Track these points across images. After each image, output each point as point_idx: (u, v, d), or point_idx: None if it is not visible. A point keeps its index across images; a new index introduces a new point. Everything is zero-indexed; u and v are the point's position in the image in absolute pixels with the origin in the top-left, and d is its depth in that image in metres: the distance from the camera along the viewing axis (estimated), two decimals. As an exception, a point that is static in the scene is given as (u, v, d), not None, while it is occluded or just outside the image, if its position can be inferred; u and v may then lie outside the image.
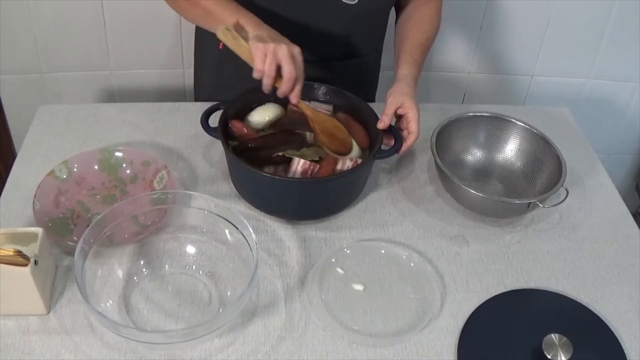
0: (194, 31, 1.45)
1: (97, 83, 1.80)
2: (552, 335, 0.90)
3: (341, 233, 1.11)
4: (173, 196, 1.04)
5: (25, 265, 0.87)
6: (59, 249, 1.03)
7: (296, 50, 1.03)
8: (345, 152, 1.12)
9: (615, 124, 2.01)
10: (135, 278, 1.00)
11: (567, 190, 1.11)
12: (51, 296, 0.96)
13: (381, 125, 1.11)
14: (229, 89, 1.29)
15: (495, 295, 1.02)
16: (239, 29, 1.05)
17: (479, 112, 1.24)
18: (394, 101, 1.12)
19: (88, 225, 0.94)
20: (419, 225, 1.14)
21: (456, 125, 1.22)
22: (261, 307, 0.98)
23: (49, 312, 0.94)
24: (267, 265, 1.04)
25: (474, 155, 1.25)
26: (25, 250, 0.89)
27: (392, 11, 1.33)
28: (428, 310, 0.98)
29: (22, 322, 0.93)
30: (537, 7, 1.72)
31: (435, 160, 1.13)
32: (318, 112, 1.14)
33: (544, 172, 1.18)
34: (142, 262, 1.02)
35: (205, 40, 1.37)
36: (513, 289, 1.04)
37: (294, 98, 1.05)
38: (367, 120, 1.17)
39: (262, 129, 1.17)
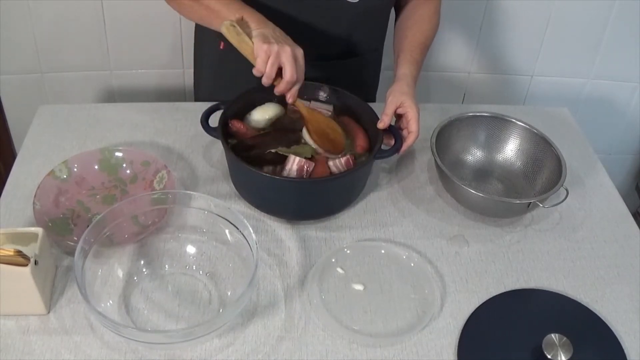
0: (193, 31, 1.44)
1: (97, 83, 1.80)
2: (552, 335, 0.90)
3: (341, 233, 1.11)
4: (173, 196, 1.04)
5: (25, 265, 0.87)
6: (59, 249, 1.03)
7: (299, 52, 1.03)
8: (336, 152, 1.12)
9: (615, 124, 2.01)
10: (135, 278, 1.00)
11: (567, 190, 1.11)
12: (51, 296, 0.96)
13: (381, 125, 1.11)
14: (229, 89, 1.29)
15: (495, 295, 1.02)
16: (243, 25, 1.04)
17: (479, 112, 1.24)
18: (394, 101, 1.12)
19: (88, 225, 0.94)
20: (419, 225, 1.14)
21: (456, 125, 1.22)
22: (261, 307, 0.98)
23: (49, 312, 0.94)
24: (267, 265, 1.04)
25: (474, 155, 1.25)
26: (25, 250, 0.89)
27: (393, 11, 1.33)
28: (428, 310, 0.98)
29: (22, 322, 0.93)
30: (537, 7, 1.72)
31: (435, 160, 1.13)
32: (314, 111, 1.14)
33: (544, 172, 1.18)
34: (142, 262, 1.02)
35: (205, 40, 1.37)
36: (513, 289, 1.04)
37: (290, 98, 1.06)
38: (367, 120, 1.17)
39: (262, 129, 1.17)
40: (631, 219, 1.19)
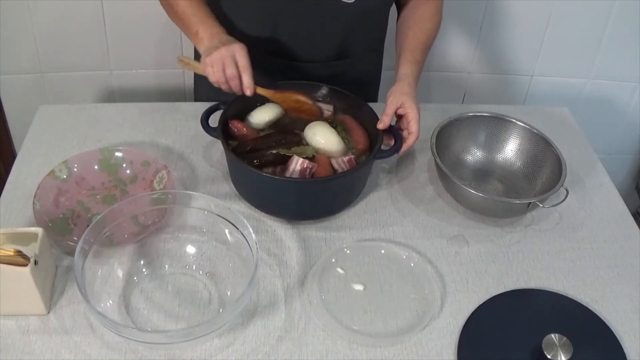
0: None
1: (97, 83, 1.80)
2: (552, 335, 0.90)
3: (341, 233, 1.11)
4: (173, 196, 1.04)
5: (25, 265, 0.87)
6: (59, 249, 1.03)
7: (236, 47, 1.07)
8: (316, 117, 1.17)
9: (615, 124, 2.01)
10: (135, 278, 1.00)
11: (567, 190, 1.11)
12: (51, 296, 0.96)
13: (381, 125, 1.11)
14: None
15: (495, 295, 1.02)
16: (199, 39, 1.13)
17: (479, 112, 1.24)
18: (394, 101, 1.12)
19: (88, 225, 0.94)
20: (419, 225, 1.14)
21: (456, 125, 1.22)
22: (261, 307, 0.98)
23: (49, 312, 0.94)
24: (267, 265, 1.04)
25: (474, 155, 1.25)
26: (25, 250, 0.89)
27: (393, 11, 1.33)
28: (428, 310, 0.98)
29: (22, 322, 0.93)
30: (537, 7, 1.73)
31: (435, 160, 1.13)
32: (278, 92, 1.16)
33: (544, 172, 1.18)
34: (142, 262, 1.02)
35: None
36: (513, 289, 1.04)
37: (247, 90, 1.09)
38: (367, 120, 1.17)
39: (262, 129, 1.17)
40: (631, 219, 1.19)
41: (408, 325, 0.97)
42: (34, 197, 1.06)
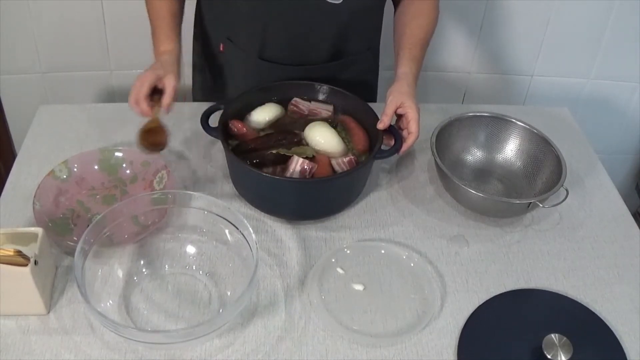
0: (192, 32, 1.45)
1: (97, 83, 1.80)
2: (552, 335, 0.90)
3: (341, 233, 1.11)
4: (173, 196, 1.04)
5: (25, 265, 0.87)
6: (59, 249, 1.03)
7: (142, 75, 1.10)
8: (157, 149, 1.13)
9: (615, 124, 2.01)
10: (135, 278, 1.00)
11: (567, 190, 1.11)
12: (51, 296, 0.96)
13: (381, 125, 1.11)
14: (226, 92, 1.29)
15: (495, 295, 1.02)
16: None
17: (479, 112, 1.24)
18: (394, 100, 1.12)
19: (88, 225, 0.94)
20: (419, 226, 1.14)
21: (456, 125, 1.22)
22: (261, 307, 0.98)
23: (49, 312, 0.94)
24: (267, 265, 1.04)
25: (474, 155, 1.25)
26: (25, 250, 0.89)
27: (388, 9, 1.32)
28: (428, 310, 0.98)
29: (22, 322, 0.93)
30: (537, 7, 1.73)
31: (435, 160, 1.13)
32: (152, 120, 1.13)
33: (544, 172, 1.18)
34: (142, 262, 1.02)
35: (203, 42, 1.37)
36: (513, 289, 1.04)
37: (151, 109, 1.10)
38: (367, 120, 1.17)
39: (262, 129, 1.17)
40: (631, 219, 1.19)
41: (408, 325, 0.97)
42: (34, 197, 1.06)
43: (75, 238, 1.03)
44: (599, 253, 1.12)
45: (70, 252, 1.00)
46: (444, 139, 1.19)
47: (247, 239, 0.96)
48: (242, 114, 1.18)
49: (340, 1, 1.16)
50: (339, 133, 1.15)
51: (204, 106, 1.15)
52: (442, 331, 0.96)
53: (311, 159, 1.10)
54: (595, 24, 1.77)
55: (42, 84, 1.77)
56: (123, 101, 1.27)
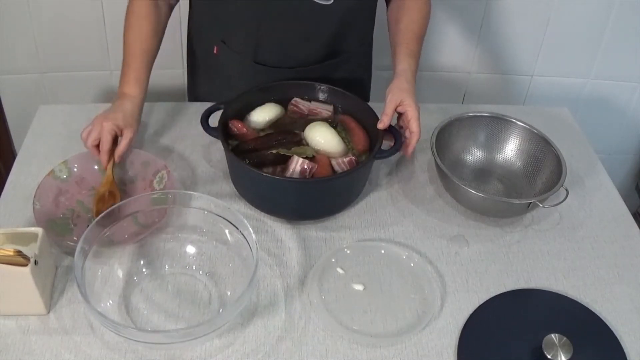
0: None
1: (97, 83, 1.80)
2: (552, 335, 0.90)
3: (341, 233, 1.11)
4: (173, 196, 1.04)
5: (25, 265, 0.87)
6: (59, 249, 1.03)
7: (99, 124, 1.10)
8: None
9: (615, 124, 2.01)
10: (135, 278, 1.00)
11: (567, 190, 1.11)
12: (51, 296, 0.96)
13: (381, 125, 1.11)
14: (222, 94, 1.29)
15: (495, 295, 1.02)
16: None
17: (479, 112, 1.24)
18: (393, 99, 1.12)
19: (88, 225, 0.94)
20: (419, 226, 1.14)
21: (456, 125, 1.22)
22: (261, 307, 0.98)
23: (49, 312, 0.94)
24: (267, 265, 1.04)
25: (474, 155, 1.25)
26: (25, 250, 0.89)
27: (383, 6, 1.32)
28: (428, 310, 0.98)
29: (22, 322, 0.93)
30: (537, 7, 1.72)
31: (435, 160, 1.13)
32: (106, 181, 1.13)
33: (544, 172, 1.18)
34: (142, 262, 1.02)
35: (198, 45, 1.37)
36: (513, 289, 1.04)
37: (107, 162, 1.12)
38: (368, 120, 1.17)
39: (262, 129, 1.17)
40: (631, 219, 1.19)
41: (408, 325, 0.97)
42: (34, 197, 1.06)
43: (75, 238, 1.03)
44: (599, 253, 1.12)
45: (70, 252, 1.00)
46: (444, 139, 1.19)
47: (247, 239, 0.96)
48: (242, 114, 1.18)
49: (331, 2, 1.16)
50: (339, 133, 1.15)
51: (204, 106, 1.15)
52: (442, 331, 0.96)
53: (311, 159, 1.10)
54: (595, 24, 1.77)
55: (42, 84, 1.77)
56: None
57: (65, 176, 1.13)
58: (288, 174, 1.07)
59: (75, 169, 1.14)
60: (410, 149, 1.12)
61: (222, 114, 1.13)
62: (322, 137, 1.13)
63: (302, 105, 1.21)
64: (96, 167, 1.16)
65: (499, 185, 1.22)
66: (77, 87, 1.79)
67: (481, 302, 1.01)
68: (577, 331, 0.95)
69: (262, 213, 1.12)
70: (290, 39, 1.23)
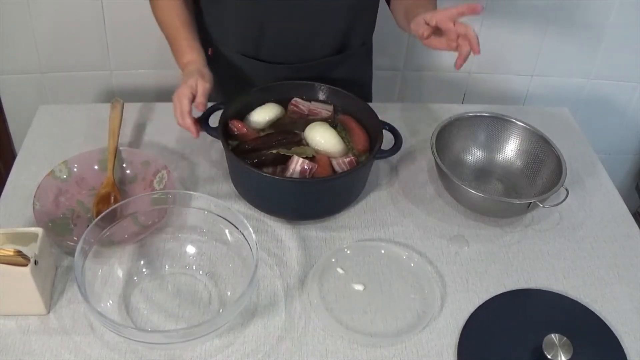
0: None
1: (97, 83, 1.80)
2: (552, 335, 0.90)
3: (341, 233, 1.11)
4: (173, 196, 1.05)
5: (25, 265, 0.87)
6: (59, 249, 1.03)
7: (176, 96, 1.08)
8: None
9: (615, 124, 2.01)
10: (135, 278, 1.00)
11: (567, 190, 1.11)
12: (51, 296, 0.96)
13: (462, 29, 0.99)
14: (218, 95, 1.29)
15: (495, 295, 1.02)
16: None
17: (479, 112, 1.24)
18: (438, 13, 1.01)
19: (88, 225, 0.94)
20: (419, 225, 1.14)
21: (456, 125, 1.22)
22: (261, 307, 0.98)
23: (49, 312, 0.94)
24: (267, 265, 1.04)
25: (474, 155, 1.25)
26: (25, 250, 0.89)
27: (383, 8, 1.32)
28: (428, 310, 0.98)
29: (22, 322, 0.93)
30: (537, 7, 1.72)
31: (435, 160, 1.13)
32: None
33: (544, 172, 1.18)
34: (142, 262, 1.02)
35: None
36: (513, 289, 1.04)
37: (193, 133, 1.08)
38: (367, 120, 1.17)
39: (262, 129, 1.17)
40: (631, 219, 1.19)
41: (408, 325, 0.97)
42: (34, 197, 1.06)
43: (75, 238, 1.03)
44: (599, 253, 1.12)
45: (70, 252, 1.00)
46: (444, 139, 1.19)
47: (247, 239, 0.96)
48: (242, 114, 1.18)
49: None
50: (339, 133, 1.15)
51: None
52: (442, 331, 0.96)
53: (311, 159, 1.10)
54: (595, 24, 1.77)
55: (42, 84, 1.77)
56: (123, 101, 1.27)
57: (65, 176, 1.13)
58: (288, 174, 1.07)
59: (75, 169, 1.14)
60: (476, 47, 1.00)
61: (222, 114, 1.13)
62: (322, 137, 1.13)
63: (302, 105, 1.21)
64: (96, 167, 1.16)
65: (499, 185, 1.22)
66: (77, 87, 1.79)
67: (481, 302, 1.01)
68: (577, 331, 0.95)
69: (262, 213, 1.12)
70: (287, 36, 1.23)
